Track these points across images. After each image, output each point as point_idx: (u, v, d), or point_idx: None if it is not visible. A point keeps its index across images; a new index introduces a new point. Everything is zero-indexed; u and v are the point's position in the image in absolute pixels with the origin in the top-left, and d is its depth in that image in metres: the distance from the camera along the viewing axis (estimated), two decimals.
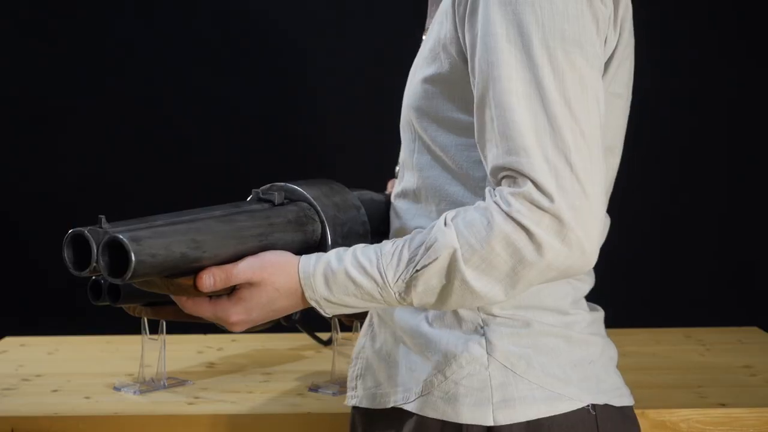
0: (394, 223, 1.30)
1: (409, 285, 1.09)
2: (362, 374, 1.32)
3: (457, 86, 1.14)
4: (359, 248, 1.13)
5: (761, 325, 2.52)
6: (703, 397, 1.86)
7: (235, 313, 1.12)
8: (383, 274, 1.09)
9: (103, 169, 3.29)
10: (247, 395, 1.86)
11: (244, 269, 1.11)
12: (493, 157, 1.06)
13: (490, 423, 1.16)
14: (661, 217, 3.27)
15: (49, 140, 3.31)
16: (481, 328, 1.19)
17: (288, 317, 2.14)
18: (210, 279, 1.09)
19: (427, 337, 1.21)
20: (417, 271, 1.08)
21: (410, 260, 1.09)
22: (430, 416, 1.20)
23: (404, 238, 1.12)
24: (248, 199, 1.21)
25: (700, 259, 3.27)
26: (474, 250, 1.05)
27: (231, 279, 1.11)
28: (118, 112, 3.28)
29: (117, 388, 1.93)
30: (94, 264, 1.03)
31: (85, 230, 1.03)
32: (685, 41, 3.24)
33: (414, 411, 1.21)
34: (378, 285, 1.10)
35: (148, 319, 1.98)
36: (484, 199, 1.09)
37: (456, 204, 1.18)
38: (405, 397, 1.23)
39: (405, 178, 1.27)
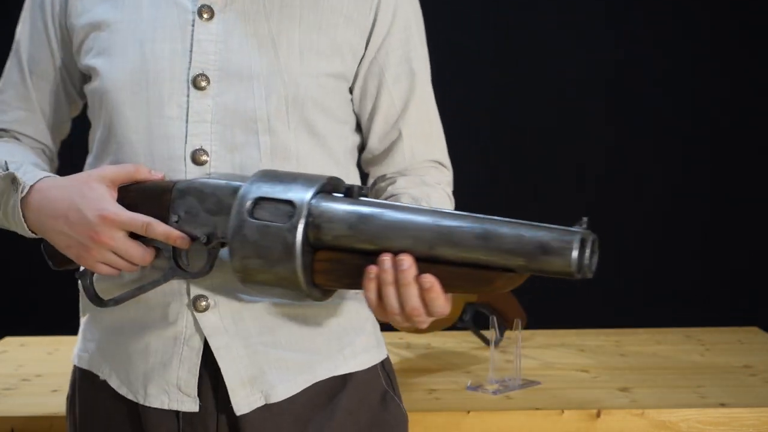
0: None
1: None
2: (257, 374, 1.22)
3: (346, 84, 1.28)
4: None
5: (761, 325, 2.53)
6: (703, 397, 1.87)
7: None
8: None
9: None
10: None
11: None
12: (423, 151, 1.32)
13: (386, 353, 1.35)
14: (661, 217, 3.28)
15: None
16: None
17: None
18: None
19: (340, 306, 1.27)
20: None
21: None
22: (369, 365, 1.29)
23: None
24: (362, 194, 1.11)
25: (700, 259, 3.27)
26: None
27: None
28: None
29: None
30: (587, 263, 0.99)
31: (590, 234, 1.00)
32: (684, 42, 3.24)
33: (354, 370, 1.27)
34: None
35: None
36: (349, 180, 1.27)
37: None
38: (336, 365, 1.26)
39: (277, 167, 1.22)
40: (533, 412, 1.79)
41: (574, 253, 0.97)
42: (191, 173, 1.19)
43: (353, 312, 1.28)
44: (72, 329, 2.60)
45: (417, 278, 1.04)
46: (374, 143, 1.31)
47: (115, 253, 1.15)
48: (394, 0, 1.28)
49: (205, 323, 1.21)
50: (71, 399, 1.34)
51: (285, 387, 1.23)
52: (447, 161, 1.35)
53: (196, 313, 1.21)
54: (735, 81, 3.24)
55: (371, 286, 1.06)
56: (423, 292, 1.04)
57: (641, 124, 3.26)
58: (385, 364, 1.33)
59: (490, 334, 2.01)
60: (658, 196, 3.27)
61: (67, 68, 1.31)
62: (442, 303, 1.05)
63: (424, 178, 1.30)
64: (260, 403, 1.22)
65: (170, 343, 1.22)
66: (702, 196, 3.26)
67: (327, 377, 1.25)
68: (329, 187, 1.11)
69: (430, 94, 1.34)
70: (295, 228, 1.05)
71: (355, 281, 1.07)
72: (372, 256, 1.05)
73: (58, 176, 1.22)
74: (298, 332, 1.24)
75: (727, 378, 2.01)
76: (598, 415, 1.78)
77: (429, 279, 1.03)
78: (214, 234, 1.13)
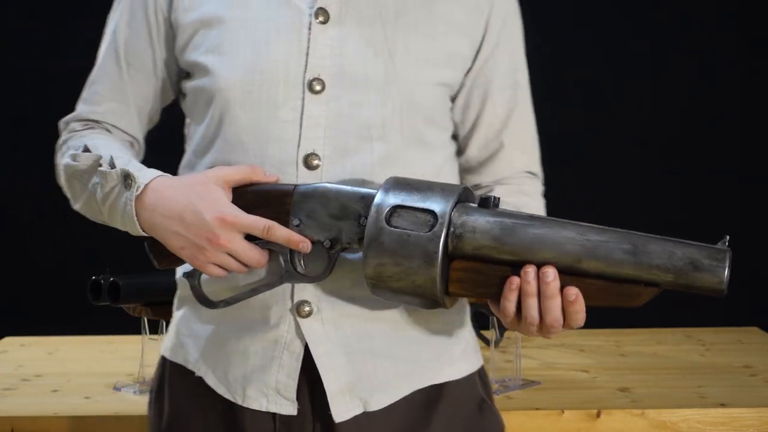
0: None
1: None
2: (356, 382, 1.21)
3: (450, 93, 1.28)
4: None
5: (761, 325, 2.53)
6: (703, 397, 1.87)
7: None
8: None
9: None
10: None
11: None
12: (522, 161, 1.31)
13: (482, 360, 1.33)
14: (661, 217, 3.28)
15: (48, 138, 3.30)
16: None
17: None
18: None
19: (436, 312, 1.21)
20: None
21: None
22: (467, 373, 1.27)
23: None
24: (496, 205, 1.11)
25: None
26: None
27: None
28: None
29: (117, 388, 1.93)
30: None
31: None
32: (693, 42, 3.24)
33: (451, 378, 1.25)
34: None
35: (148, 319, 1.98)
36: None
37: None
38: (435, 374, 1.24)
39: (386, 174, 1.20)
40: (533, 412, 1.79)
41: (727, 271, 1.01)
42: (303, 178, 1.18)
43: (450, 318, 1.26)
44: (72, 329, 2.61)
45: (561, 290, 1.05)
46: (473, 152, 1.30)
47: (231, 255, 1.13)
48: (503, 13, 1.28)
49: (307, 329, 1.19)
50: (158, 392, 1.30)
51: (384, 395, 1.21)
52: (540, 170, 1.34)
53: (298, 319, 1.19)
54: (751, 80, 3.24)
55: (512, 297, 1.06)
56: (566, 304, 1.05)
57: (641, 124, 3.26)
58: (480, 371, 1.30)
59: (490, 334, 2.01)
60: (658, 196, 3.27)
61: (166, 63, 1.29)
62: (583, 316, 1.06)
63: (521, 188, 1.30)
64: (359, 410, 1.20)
65: (270, 347, 1.21)
66: (702, 196, 3.26)
67: (425, 386, 1.24)
68: (464, 197, 1.11)
69: (530, 104, 1.33)
70: (438, 237, 1.05)
71: (491, 291, 1.07)
72: (510, 266, 1.05)
73: (170, 175, 1.20)
74: (395, 339, 1.23)
75: (727, 378, 2.02)
76: (598, 415, 1.78)
77: (574, 291, 1.04)
78: (338, 239, 1.12)
